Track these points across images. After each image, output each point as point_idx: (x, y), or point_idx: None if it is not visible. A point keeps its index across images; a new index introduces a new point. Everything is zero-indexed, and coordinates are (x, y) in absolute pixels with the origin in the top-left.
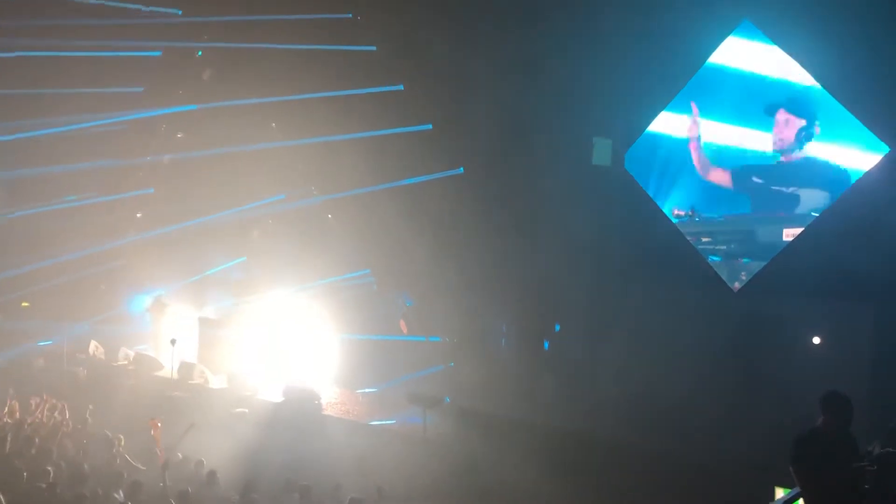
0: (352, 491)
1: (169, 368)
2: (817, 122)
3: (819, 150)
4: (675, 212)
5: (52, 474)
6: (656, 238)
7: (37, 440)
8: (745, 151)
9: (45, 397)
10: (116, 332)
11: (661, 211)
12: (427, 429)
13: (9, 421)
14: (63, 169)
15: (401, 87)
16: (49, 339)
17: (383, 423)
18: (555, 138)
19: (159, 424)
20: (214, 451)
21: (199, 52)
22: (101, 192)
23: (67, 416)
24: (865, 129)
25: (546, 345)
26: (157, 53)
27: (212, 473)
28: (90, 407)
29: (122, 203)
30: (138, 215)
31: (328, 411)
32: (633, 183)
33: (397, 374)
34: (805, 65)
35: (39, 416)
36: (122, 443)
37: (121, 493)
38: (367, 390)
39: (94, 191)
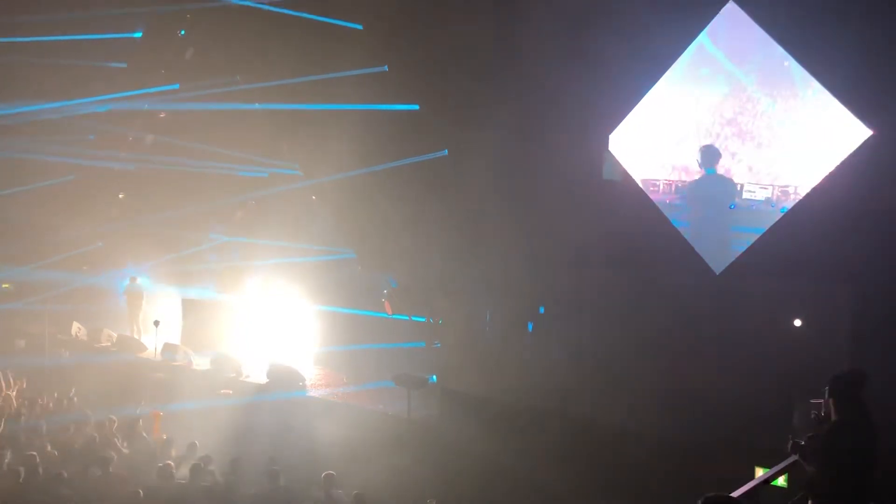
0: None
1: (152, 350)
2: None
3: (801, 133)
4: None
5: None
6: (640, 220)
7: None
8: None
9: (11, 381)
10: (97, 313)
11: (646, 194)
12: (412, 409)
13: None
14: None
15: (385, 69)
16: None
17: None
18: (540, 121)
19: (161, 414)
20: (198, 433)
21: (182, 32)
22: (82, 172)
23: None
24: (848, 112)
25: (530, 326)
26: (138, 34)
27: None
28: (73, 389)
29: (103, 183)
30: (120, 196)
31: (313, 392)
32: (617, 165)
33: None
34: (787, 46)
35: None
36: (116, 425)
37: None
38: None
39: (74, 172)
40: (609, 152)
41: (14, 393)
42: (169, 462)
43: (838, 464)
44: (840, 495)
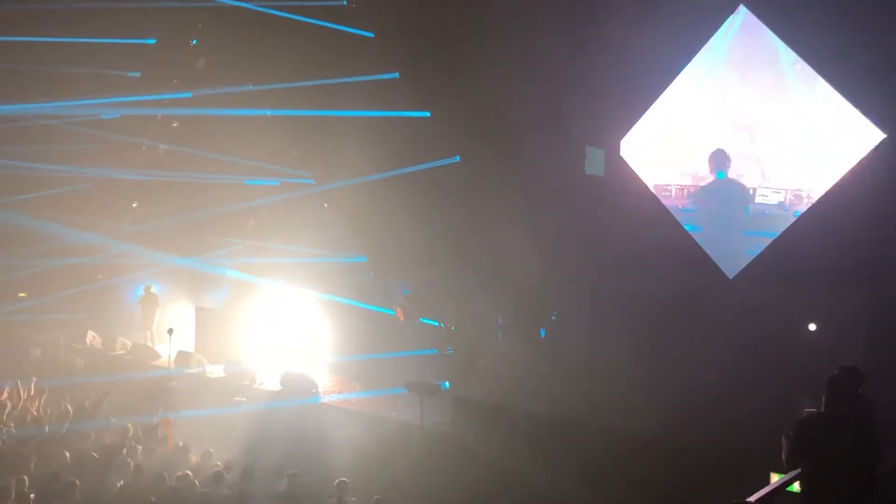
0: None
1: (166, 358)
2: None
3: (814, 136)
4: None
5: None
6: (652, 226)
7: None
8: None
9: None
10: (112, 320)
11: (657, 199)
12: (424, 416)
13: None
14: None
15: (396, 76)
16: None
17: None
18: (551, 127)
19: (171, 422)
20: (212, 440)
21: (195, 41)
22: (97, 181)
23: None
24: (861, 116)
25: (543, 333)
26: (152, 41)
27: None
28: (89, 397)
29: (117, 192)
30: (134, 205)
31: (325, 399)
32: (628, 170)
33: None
34: (800, 50)
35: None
36: (132, 432)
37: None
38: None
39: (90, 180)
40: (590, 148)
41: (30, 398)
42: (188, 472)
43: (799, 457)
44: (812, 490)
